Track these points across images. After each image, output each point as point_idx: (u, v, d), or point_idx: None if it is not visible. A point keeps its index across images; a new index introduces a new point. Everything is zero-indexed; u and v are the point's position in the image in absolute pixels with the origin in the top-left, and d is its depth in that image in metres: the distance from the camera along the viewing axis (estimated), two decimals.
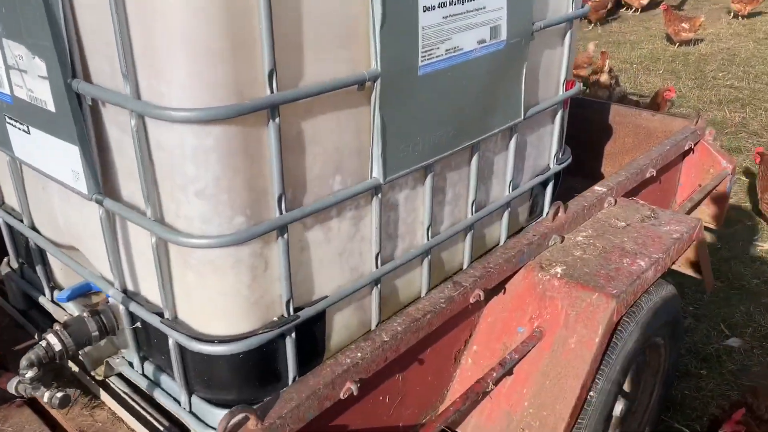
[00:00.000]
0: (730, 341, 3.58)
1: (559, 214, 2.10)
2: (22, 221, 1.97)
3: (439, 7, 1.57)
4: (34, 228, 1.96)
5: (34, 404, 1.97)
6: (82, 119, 1.45)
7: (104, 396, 1.94)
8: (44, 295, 2.08)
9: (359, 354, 1.56)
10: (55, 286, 2.07)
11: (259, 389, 1.61)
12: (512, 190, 2.13)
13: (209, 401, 1.61)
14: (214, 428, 1.58)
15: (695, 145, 2.93)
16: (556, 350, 1.79)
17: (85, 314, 1.81)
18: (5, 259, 2.29)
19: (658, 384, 2.67)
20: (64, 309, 2.02)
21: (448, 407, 1.70)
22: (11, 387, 1.90)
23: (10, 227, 2.10)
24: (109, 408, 1.93)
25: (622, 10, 11.06)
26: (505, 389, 1.85)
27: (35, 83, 1.51)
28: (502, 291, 1.94)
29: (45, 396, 1.79)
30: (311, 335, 1.65)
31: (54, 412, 1.93)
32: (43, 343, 1.77)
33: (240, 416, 1.35)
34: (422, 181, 1.79)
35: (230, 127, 1.30)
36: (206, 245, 1.36)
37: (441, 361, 1.86)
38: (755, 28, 9.81)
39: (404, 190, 1.75)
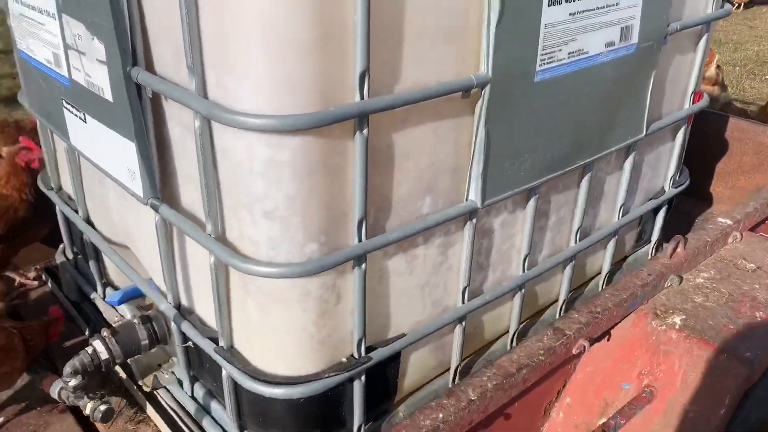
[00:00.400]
0: None
1: (678, 250, 1.79)
2: (77, 212, 1.82)
3: (566, 1, 1.29)
4: (88, 221, 1.80)
5: (78, 411, 1.82)
6: (141, 113, 1.25)
7: (150, 411, 1.77)
8: (96, 291, 1.93)
9: (441, 415, 1.32)
10: (108, 283, 1.92)
11: None
12: (622, 216, 1.83)
13: None
14: None
15: None
16: (668, 417, 1.51)
17: (135, 321, 1.64)
18: (60, 247, 2.16)
19: None
20: (115, 308, 1.87)
21: None
22: (54, 392, 1.76)
23: (66, 216, 1.96)
24: (155, 426, 1.77)
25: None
26: None
27: (93, 68, 1.32)
28: (607, 337, 1.66)
29: (87, 407, 1.64)
30: (383, 376, 1.42)
31: (97, 424, 1.79)
32: (89, 349, 1.61)
33: None
34: (523, 205, 1.52)
35: (310, 138, 1.07)
36: (272, 275, 1.14)
37: (529, 414, 1.61)
38: None
39: (502, 214, 1.49)
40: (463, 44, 1.20)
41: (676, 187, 2.02)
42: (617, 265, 1.90)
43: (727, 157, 2.83)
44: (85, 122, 1.46)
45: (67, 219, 1.96)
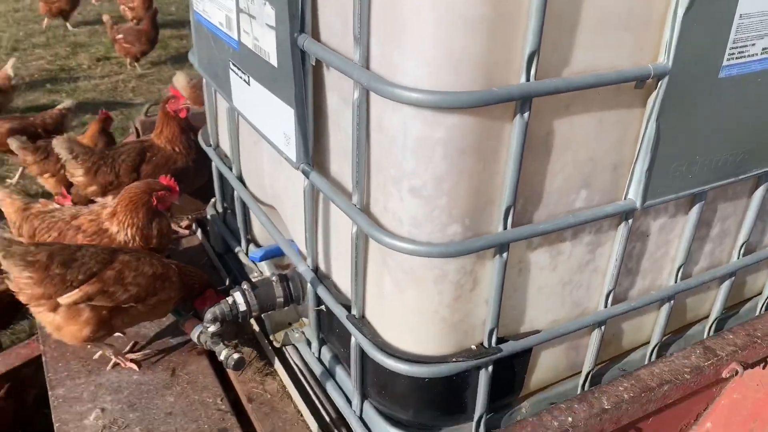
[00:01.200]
0: None
1: None
2: (230, 169, 1.91)
3: None
4: (240, 179, 1.89)
5: (212, 355, 1.94)
6: (302, 80, 1.28)
7: (278, 365, 1.85)
8: (240, 246, 2.03)
9: (570, 419, 1.26)
10: (251, 239, 2.01)
11: (438, 417, 1.39)
12: None
13: (382, 413, 1.42)
14: None
15: None
16: None
17: (274, 278, 1.71)
18: (212, 201, 2.29)
19: None
20: (255, 264, 1.96)
21: None
22: (194, 335, 1.88)
23: (220, 172, 2.07)
24: (280, 380, 1.84)
25: None
26: None
27: (262, 32, 1.36)
28: (763, 365, 1.50)
29: (222, 354, 1.73)
30: (510, 370, 1.38)
31: (229, 370, 1.89)
32: (230, 300, 1.70)
33: None
34: (686, 210, 1.40)
35: (467, 118, 1.04)
36: (412, 252, 1.13)
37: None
38: None
39: (660, 218, 1.38)
40: (643, 32, 1.11)
41: None
42: None
43: None
44: (249, 85, 1.52)
45: (221, 175, 2.07)
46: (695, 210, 1.39)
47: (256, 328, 1.95)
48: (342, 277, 1.44)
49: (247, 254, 1.96)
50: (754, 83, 1.25)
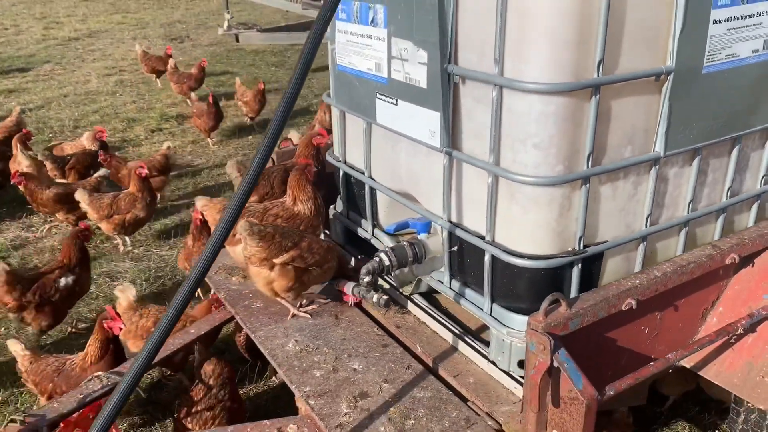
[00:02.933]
0: None
1: None
2: (363, 173, 2.69)
3: (725, 21, 1.99)
4: (371, 178, 2.66)
5: (359, 306, 2.66)
6: (448, 92, 2.08)
7: (411, 306, 2.58)
8: (365, 230, 2.78)
9: (637, 281, 2.00)
10: (376, 225, 2.76)
11: None
12: (764, 184, 2.43)
13: (507, 308, 2.15)
14: (511, 328, 2.11)
15: None
16: None
17: (405, 243, 2.45)
18: (333, 206, 3.06)
19: None
20: (379, 242, 2.70)
21: (692, 344, 2.08)
22: (348, 289, 2.61)
23: (347, 179, 2.84)
24: (415, 315, 2.56)
25: None
26: (747, 344, 2.16)
27: (413, 68, 2.17)
28: (751, 264, 2.25)
29: (374, 297, 2.45)
30: (589, 271, 2.12)
31: (374, 313, 2.60)
32: (377, 258, 2.43)
33: (555, 299, 1.84)
34: (690, 163, 2.19)
35: (566, 98, 1.84)
36: (535, 182, 1.91)
37: (691, 313, 2.22)
38: None
39: (674, 167, 2.17)
40: (656, 46, 1.93)
41: None
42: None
43: None
44: (396, 105, 2.32)
45: (347, 182, 2.85)
46: (696, 162, 2.18)
47: (387, 286, 2.68)
48: (471, 222, 2.20)
49: (382, 231, 2.70)
50: (722, 78, 2.06)
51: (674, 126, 2.03)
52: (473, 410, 2.09)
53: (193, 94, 7.24)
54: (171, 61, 7.99)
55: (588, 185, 1.96)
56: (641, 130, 2.03)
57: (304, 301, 2.64)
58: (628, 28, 1.85)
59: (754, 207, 2.46)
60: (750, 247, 2.22)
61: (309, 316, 2.57)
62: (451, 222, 2.28)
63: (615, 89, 1.91)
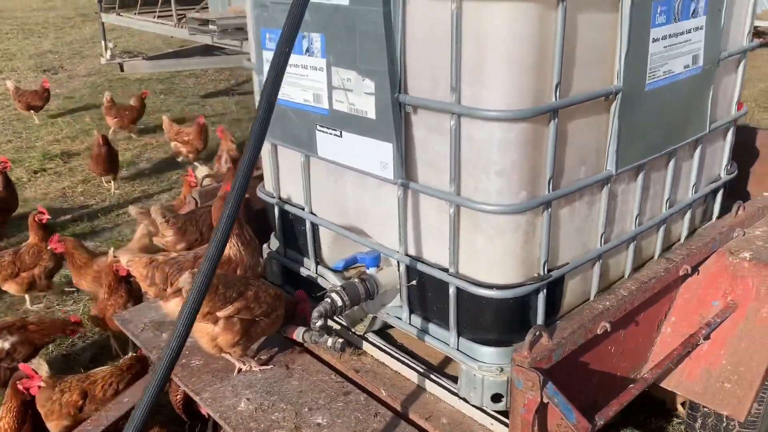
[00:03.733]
0: None
1: (740, 212, 2.48)
2: (303, 209, 2.54)
3: (662, 39, 2.04)
4: (312, 213, 2.51)
5: (308, 351, 2.49)
6: (401, 123, 1.99)
7: (366, 346, 2.45)
8: (307, 269, 2.62)
9: (608, 303, 1.99)
10: (319, 262, 2.62)
11: (513, 333, 2.06)
12: (694, 193, 2.53)
13: (474, 341, 2.08)
14: (482, 362, 2.04)
15: None
16: (749, 318, 2.15)
17: (356, 280, 2.32)
18: (266, 245, 2.87)
19: None
20: (325, 281, 2.56)
21: (662, 360, 2.10)
22: (298, 336, 2.45)
23: (283, 216, 2.68)
24: (372, 356, 2.43)
25: None
26: (703, 352, 2.21)
27: (359, 98, 2.07)
28: (696, 272, 2.32)
29: (329, 341, 2.31)
30: (552, 295, 2.09)
31: (328, 358, 2.45)
32: (328, 299, 2.28)
33: (536, 332, 1.78)
34: (635, 179, 2.22)
35: (527, 124, 1.80)
36: (500, 211, 1.85)
37: (649, 326, 2.25)
38: None
39: (622, 184, 2.19)
40: (605, 67, 1.94)
41: (728, 174, 2.72)
42: (706, 229, 2.57)
43: (758, 162, 3.51)
44: (340, 137, 2.20)
45: (283, 219, 2.68)
46: (640, 177, 2.21)
47: (337, 327, 2.54)
48: (432, 252, 2.11)
49: (327, 268, 2.55)
50: (661, 94, 2.11)
51: (623, 144, 2.05)
52: None
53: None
54: (107, 94, 7.25)
55: (550, 209, 1.93)
56: (593, 150, 2.03)
57: (251, 354, 2.44)
58: (579, 51, 1.85)
59: (687, 216, 2.54)
60: (698, 256, 2.28)
61: (257, 369, 2.38)
62: (409, 255, 2.18)
63: (569, 111, 1.89)
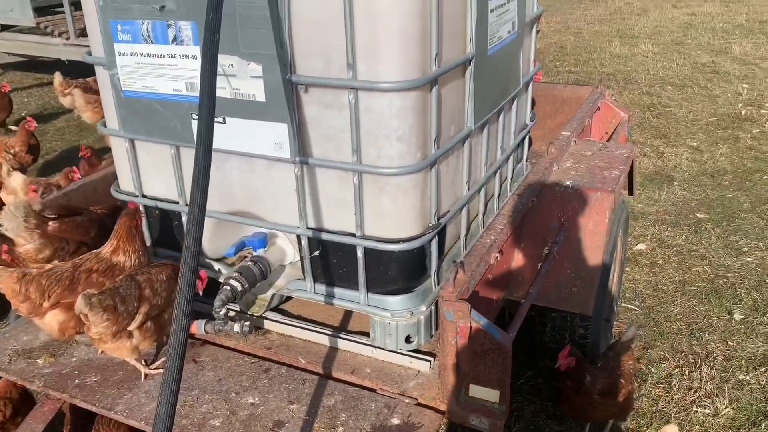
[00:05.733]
0: None
1: (551, 150, 3.02)
2: (177, 203, 2.48)
3: (496, 9, 2.40)
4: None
5: (210, 343, 2.48)
6: (294, 103, 2.08)
7: (269, 324, 2.51)
8: None
9: (492, 237, 2.33)
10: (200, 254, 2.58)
11: (414, 279, 2.32)
12: (515, 139, 3.00)
13: (382, 293, 2.29)
14: (393, 310, 2.26)
15: (601, 103, 4.01)
16: (582, 233, 2.68)
17: (249, 263, 2.38)
18: None
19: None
20: (213, 272, 2.55)
21: (537, 279, 2.54)
22: (201, 328, 2.43)
23: (149, 215, 2.58)
24: (277, 332, 2.51)
25: None
26: (552, 267, 2.70)
27: (244, 83, 2.11)
28: (532, 202, 2.80)
29: (235, 326, 2.35)
30: (441, 240, 2.38)
31: (232, 344, 2.46)
32: (227, 287, 2.31)
33: (456, 270, 2.05)
34: (481, 132, 2.59)
35: (417, 92, 2.02)
36: (403, 172, 2.07)
37: (508, 251, 2.68)
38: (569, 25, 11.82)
39: (474, 137, 2.54)
40: (462, 36, 2.24)
41: (531, 121, 3.26)
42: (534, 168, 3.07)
43: (535, 109, 4.21)
44: (224, 123, 2.21)
45: (148, 216, 2.58)
46: (486, 130, 2.59)
47: (232, 313, 2.56)
48: (335, 221, 2.25)
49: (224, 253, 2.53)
50: (497, 57, 2.49)
51: (477, 102, 2.39)
52: (387, 396, 2.20)
53: None
54: None
55: (437, 165, 2.20)
56: (458, 111, 2.34)
57: (149, 358, 2.36)
58: (446, 24, 2.11)
59: (512, 158, 3.02)
60: (536, 188, 2.75)
61: (162, 370, 2.31)
62: (310, 228, 2.30)
63: (443, 78, 2.16)
